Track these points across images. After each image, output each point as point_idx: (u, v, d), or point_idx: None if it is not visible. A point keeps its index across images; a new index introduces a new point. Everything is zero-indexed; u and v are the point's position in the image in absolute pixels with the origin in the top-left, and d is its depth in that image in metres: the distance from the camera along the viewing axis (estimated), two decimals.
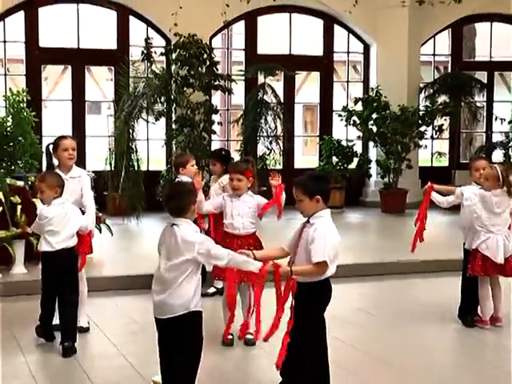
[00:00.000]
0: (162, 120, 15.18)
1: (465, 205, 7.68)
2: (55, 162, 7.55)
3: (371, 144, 16.64)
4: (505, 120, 17.77)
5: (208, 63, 14.95)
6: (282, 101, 16.30)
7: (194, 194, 5.33)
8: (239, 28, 16.72)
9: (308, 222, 5.31)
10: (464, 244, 8.08)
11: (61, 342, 6.76)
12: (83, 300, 7.46)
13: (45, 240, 6.81)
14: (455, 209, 8.23)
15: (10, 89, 14.28)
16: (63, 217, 6.86)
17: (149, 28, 15.71)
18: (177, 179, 8.66)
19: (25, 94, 13.97)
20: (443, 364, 6.76)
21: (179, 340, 5.05)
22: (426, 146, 17.07)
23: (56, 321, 7.04)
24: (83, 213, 7.36)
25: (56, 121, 15.81)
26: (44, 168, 8.04)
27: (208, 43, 15.29)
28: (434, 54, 18.14)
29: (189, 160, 8.84)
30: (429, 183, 8.02)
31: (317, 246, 5.10)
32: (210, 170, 8.81)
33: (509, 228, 7.65)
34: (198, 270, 5.04)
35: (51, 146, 7.48)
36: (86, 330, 7.40)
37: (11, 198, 9.25)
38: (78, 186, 7.41)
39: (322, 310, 5.36)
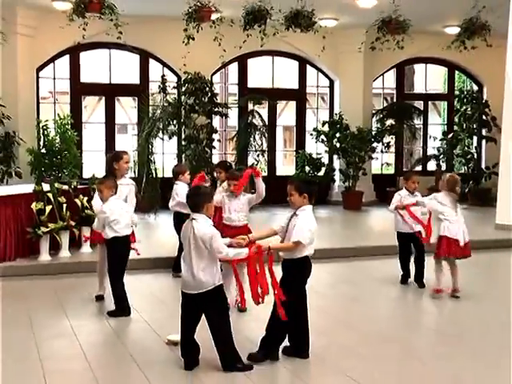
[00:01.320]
0: (174, 138, 15.19)
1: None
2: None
3: (335, 156, 16.65)
4: (437, 138, 17.97)
5: (209, 94, 15.01)
6: (267, 123, 16.31)
7: (208, 195, 5.36)
8: (234, 67, 16.71)
9: (295, 213, 5.41)
10: (397, 233, 8.39)
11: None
12: None
13: (111, 229, 6.74)
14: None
15: (58, 114, 14.27)
16: (121, 208, 6.90)
17: (164, 67, 15.71)
18: (175, 184, 8.69)
19: (69, 118, 13.96)
20: (396, 324, 6.79)
21: (212, 306, 5.12)
22: (377, 158, 17.16)
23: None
24: None
25: (93, 139, 15.77)
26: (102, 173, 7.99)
27: (209, 79, 15.34)
28: (383, 88, 18.19)
29: (186, 170, 8.94)
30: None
31: (297, 230, 5.26)
32: (216, 177, 8.80)
33: None
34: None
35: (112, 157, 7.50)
36: None
37: (59, 199, 9.24)
38: (124, 190, 7.35)
39: (303, 282, 5.45)
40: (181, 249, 8.76)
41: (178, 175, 8.77)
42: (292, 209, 5.51)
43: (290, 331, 5.49)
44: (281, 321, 5.22)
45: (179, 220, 8.70)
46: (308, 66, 17.20)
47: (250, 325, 6.35)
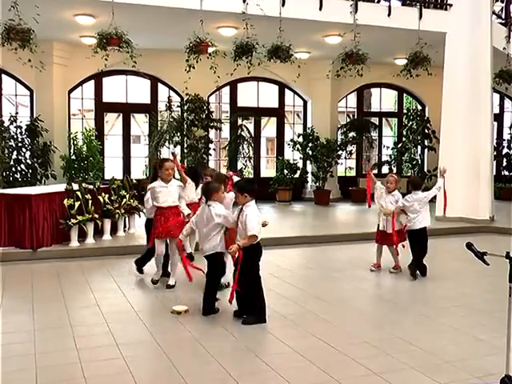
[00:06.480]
0: (178, 147, 15.15)
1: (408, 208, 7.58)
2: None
3: (308, 162, 16.72)
4: (389, 147, 18.03)
5: (206, 112, 15.00)
6: (253, 135, 16.33)
7: (215, 188, 5.67)
8: (226, 90, 16.72)
9: (242, 209, 5.46)
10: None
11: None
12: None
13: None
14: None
15: (85, 128, 14.30)
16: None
17: (170, 90, 15.69)
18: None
19: (94, 131, 14.01)
20: (354, 295, 6.85)
21: (214, 265, 5.70)
22: (341, 163, 17.24)
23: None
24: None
25: (113, 148, 15.75)
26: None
27: (206, 99, 15.35)
28: (346, 107, 18.24)
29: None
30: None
31: (248, 225, 5.31)
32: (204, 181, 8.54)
33: None
34: (221, 230, 5.62)
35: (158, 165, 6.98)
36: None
37: (85, 196, 9.23)
38: (173, 191, 6.86)
39: (258, 260, 5.56)
40: (147, 252, 7.53)
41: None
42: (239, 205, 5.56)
43: (246, 298, 5.58)
44: (250, 292, 5.48)
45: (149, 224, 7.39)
46: (286, 90, 17.23)
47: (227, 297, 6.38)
